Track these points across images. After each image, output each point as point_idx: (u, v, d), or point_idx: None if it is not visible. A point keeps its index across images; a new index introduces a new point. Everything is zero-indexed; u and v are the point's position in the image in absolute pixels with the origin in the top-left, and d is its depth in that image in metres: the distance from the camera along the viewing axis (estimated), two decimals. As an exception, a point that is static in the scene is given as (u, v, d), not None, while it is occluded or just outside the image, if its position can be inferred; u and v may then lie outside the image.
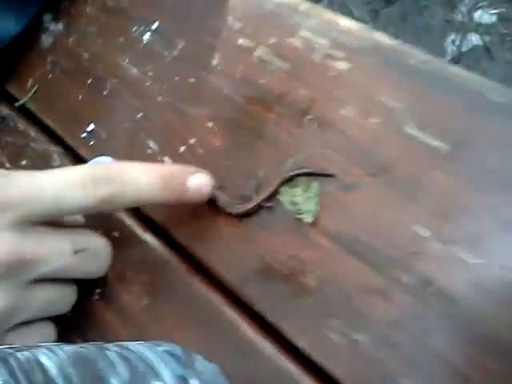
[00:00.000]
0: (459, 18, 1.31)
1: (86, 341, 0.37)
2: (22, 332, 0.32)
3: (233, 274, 0.35)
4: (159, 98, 0.42)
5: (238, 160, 0.37)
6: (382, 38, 0.36)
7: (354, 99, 0.35)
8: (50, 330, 0.34)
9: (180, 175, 0.33)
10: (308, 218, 0.34)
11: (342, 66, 0.37)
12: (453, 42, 1.29)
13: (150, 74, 0.43)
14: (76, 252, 0.32)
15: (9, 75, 0.50)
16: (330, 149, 0.35)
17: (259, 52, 0.39)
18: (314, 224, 0.34)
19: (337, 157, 0.35)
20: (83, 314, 0.38)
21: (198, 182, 0.33)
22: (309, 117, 0.36)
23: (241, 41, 0.40)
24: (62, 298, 0.34)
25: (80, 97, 0.46)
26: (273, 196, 0.35)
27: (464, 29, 1.30)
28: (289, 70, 0.38)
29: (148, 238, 0.39)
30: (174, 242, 0.38)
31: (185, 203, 0.34)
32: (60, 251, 0.31)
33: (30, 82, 0.48)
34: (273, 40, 0.39)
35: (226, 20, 0.42)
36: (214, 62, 0.41)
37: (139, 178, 0.32)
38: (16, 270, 0.29)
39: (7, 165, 0.46)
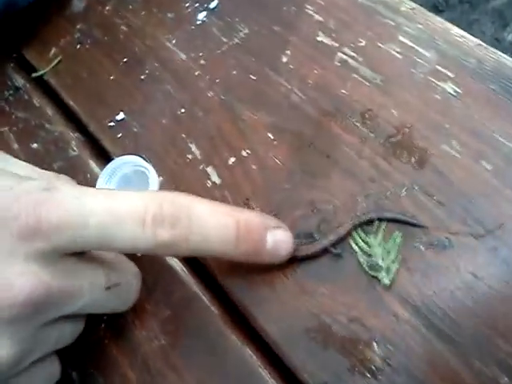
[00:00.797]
0: (510, 37, 1.23)
1: (84, 376, 0.30)
2: (28, 374, 0.26)
3: (278, 329, 0.28)
4: (209, 94, 0.35)
5: (301, 186, 0.30)
6: (506, 60, 0.29)
7: (461, 133, 0.28)
8: (55, 366, 0.28)
9: (258, 229, 0.26)
10: (384, 277, 0.27)
11: (448, 88, 0.29)
12: (498, 62, 1.21)
13: (201, 62, 0.36)
14: (108, 288, 0.26)
15: (29, 39, 0.42)
16: (423, 191, 0.28)
17: (343, 55, 0.32)
18: (390, 285, 0.27)
19: (431, 204, 0.27)
20: (84, 344, 0.31)
21: (278, 239, 0.26)
22: (399, 145, 0.29)
23: (321, 37, 0.33)
24: (74, 331, 0.28)
25: (111, 77, 0.38)
26: (342, 240, 0.28)
27: (512, 50, 1.22)
28: (379, 82, 0.31)
29: (176, 264, 0.31)
30: (210, 277, 0.30)
31: (254, 263, 0.27)
32: (91, 287, 0.25)
33: (54, 50, 0.41)
34: (362, 42, 0.32)
35: (304, 8, 0.34)
36: (284, 58, 0.33)
37: (209, 224, 0.25)
38: (38, 310, 0.23)
39: (15, 145, 0.39)
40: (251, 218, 0.26)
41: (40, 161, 0.37)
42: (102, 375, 0.30)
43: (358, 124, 0.30)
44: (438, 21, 0.31)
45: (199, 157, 0.33)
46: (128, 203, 0.24)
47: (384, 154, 0.29)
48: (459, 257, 0.26)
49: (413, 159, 0.28)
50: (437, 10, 1.28)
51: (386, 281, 0.27)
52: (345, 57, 0.32)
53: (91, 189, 0.25)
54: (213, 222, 0.25)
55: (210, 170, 0.33)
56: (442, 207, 0.27)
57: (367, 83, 0.31)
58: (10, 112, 0.40)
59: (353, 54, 0.32)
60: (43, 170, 0.30)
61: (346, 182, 0.29)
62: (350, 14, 0.33)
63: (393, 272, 0.27)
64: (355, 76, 0.31)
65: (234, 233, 0.25)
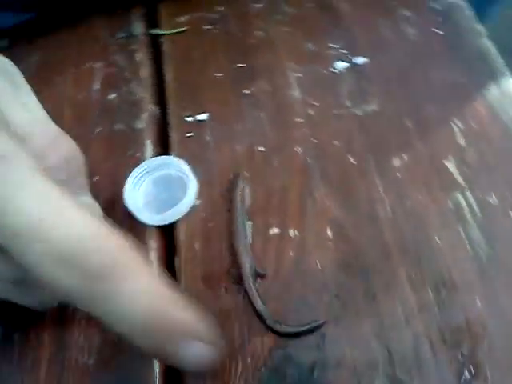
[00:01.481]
0: None
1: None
2: None
3: None
4: (297, 149, 0.29)
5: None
6: None
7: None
8: None
9: (174, 327, 0.19)
10: None
11: None
12: None
13: (310, 111, 0.31)
14: (17, 282, 0.21)
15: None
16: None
17: (461, 197, 0.25)
18: None
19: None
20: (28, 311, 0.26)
21: (194, 353, 0.19)
22: (460, 344, 0.22)
23: (450, 164, 0.26)
24: None
25: (218, 74, 0.34)
26: None
27: None
28: (484, 258, 0.24)
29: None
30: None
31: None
32: None
33: (184, 18, 0.37)
34: (493, 199, 0.25)
35: (450, 119, 0.28)
36: (396, 162, 0.27)
37: (121, 296, 0.18)
38: None
39: (95, 86, 0.36)
40: (174, 310, 0.19)
41: (107, 114, 0.34)
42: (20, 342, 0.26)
43: (429, 288, 0.23)
44: None
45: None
46: (71, 218, 0.18)
47: (437, 341, 0.22)
48: None
49: (467, 372, 0.21)
50: None
51: None
52: (462, 201, 0.25)
53: (51, 185, 0.18)
54: (132, 292, 0.18)
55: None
56: None
57: (469, 249, 0.24)
58: (112, 52, 0.38)
59: (473, 204, 0.25)
60: (53, 129, 0.23)
61: (376, 340, 0.22)
62: (497, 158, 0.26)
63: None
64: (461, 231, 0.24)
65: (146, 316, 0.18)
